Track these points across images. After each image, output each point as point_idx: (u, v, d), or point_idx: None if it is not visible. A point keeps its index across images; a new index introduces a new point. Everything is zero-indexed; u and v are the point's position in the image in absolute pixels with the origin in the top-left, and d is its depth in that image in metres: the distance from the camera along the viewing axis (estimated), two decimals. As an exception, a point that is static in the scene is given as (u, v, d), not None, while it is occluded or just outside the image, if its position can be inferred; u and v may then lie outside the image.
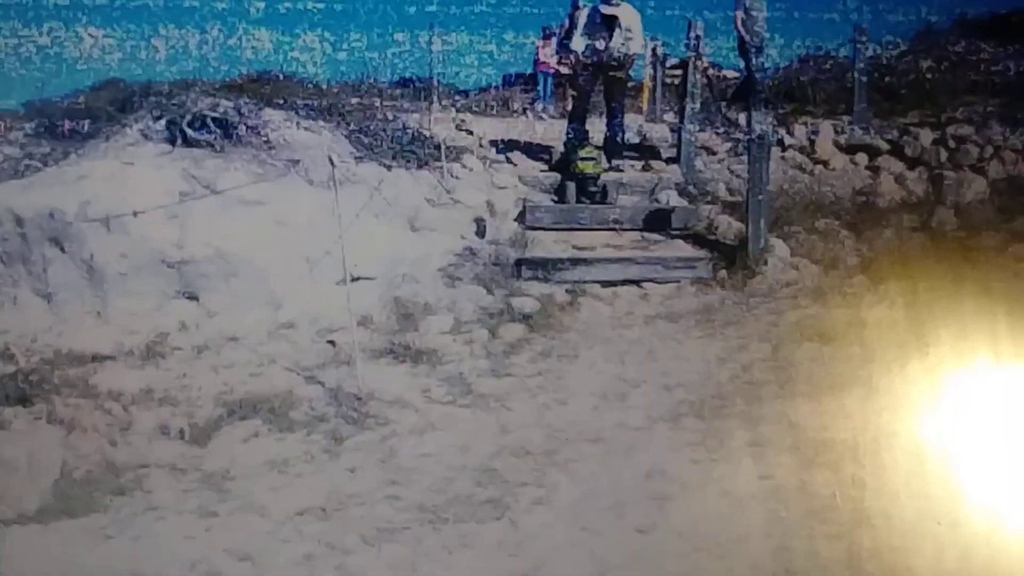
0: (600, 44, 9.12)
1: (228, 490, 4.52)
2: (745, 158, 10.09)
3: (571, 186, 8.90)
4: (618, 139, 9.63)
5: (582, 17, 9.35)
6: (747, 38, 11.85)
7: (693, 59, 10.00)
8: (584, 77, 9.43)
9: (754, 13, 11.87)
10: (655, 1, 12.09)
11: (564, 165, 9.33)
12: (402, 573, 3.83)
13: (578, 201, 8.87)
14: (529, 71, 27.41)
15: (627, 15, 9.14)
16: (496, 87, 20.51)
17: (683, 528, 4.11)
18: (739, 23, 11.83)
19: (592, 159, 8.99)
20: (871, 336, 5.43)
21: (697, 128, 10.14)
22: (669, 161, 10.06)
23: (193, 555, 3.95)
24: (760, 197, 7.91)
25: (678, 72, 11.05)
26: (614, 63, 9.21)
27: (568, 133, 9.55)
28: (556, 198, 9.07)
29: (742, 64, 12.52)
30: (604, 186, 8.97)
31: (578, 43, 9.20)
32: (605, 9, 9.05)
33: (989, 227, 7.92)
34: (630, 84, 10.46)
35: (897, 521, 3.79)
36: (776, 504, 4.25)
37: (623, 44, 9.15)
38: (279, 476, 4.69)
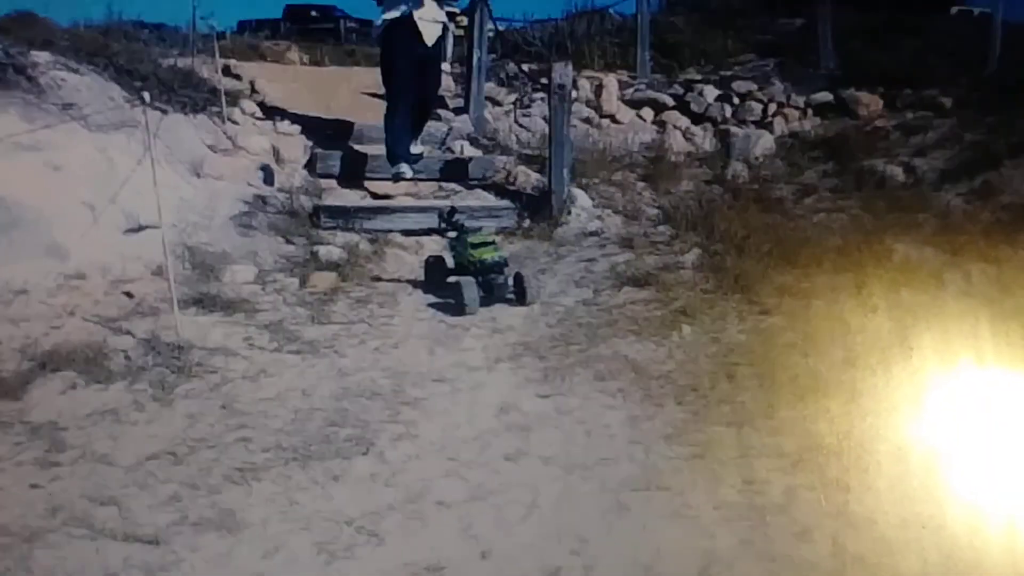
0: None
1: (63, 440, 4.51)
2: (531, 110, 10.77)
3: (470, 284, 6.54)
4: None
5: None
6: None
7: (479, 7, 10.40)
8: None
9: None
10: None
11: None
12: (281, 507, 4.03)
13: (486, 301, 6.60)
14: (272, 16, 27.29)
15: None
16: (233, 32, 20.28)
17: (549, 455, 4.52)
18: None
19: (490, 243, 6.95)
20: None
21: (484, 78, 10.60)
22: (457, 111, 10.47)
23: (49, 503, 3.99)
24: (562, 146, 8.43)
25: (462, 19, 11.41)
26: None
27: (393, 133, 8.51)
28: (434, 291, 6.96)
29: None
30: (519, 277, 6.75)
31: None
32: None
33: (779, 180, 8.83)
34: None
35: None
36: (631, 430, 4.77)
37: None
38: (113, 425, 4.72)
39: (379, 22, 8.46)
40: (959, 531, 3.84)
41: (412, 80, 8.40)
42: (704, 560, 3.71)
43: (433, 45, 8.42)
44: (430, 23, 8.33)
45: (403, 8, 8.19)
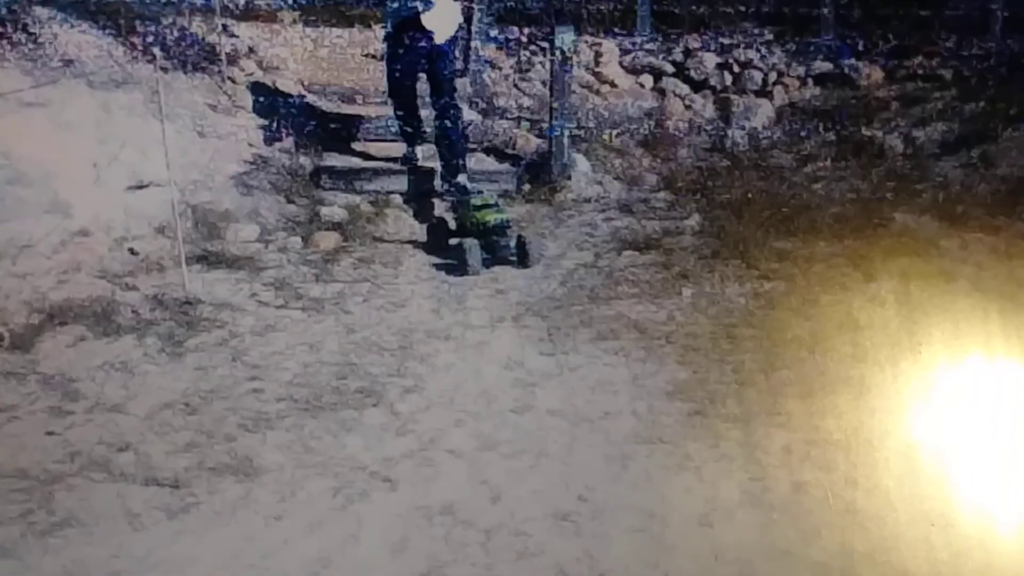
0: None
1: (76, 390, 4.70)
2: (530, 74, 10.83)
3: (473, 246, 6.69)
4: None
5: None
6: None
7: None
8: None
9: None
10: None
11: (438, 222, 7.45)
12: (296, 454, 4.21)
13: (488, 263, 6.67)
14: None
15: None
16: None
17: (555, 408, 4.72)
18: None
19: (493, 205, 7.14)
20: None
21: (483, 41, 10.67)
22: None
23: (66, 449, 4.16)
24: (563, 110, 8.54)
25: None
26: None
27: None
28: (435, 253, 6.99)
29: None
30: (522, 239, 6.86)
31: None
32: None
33: (779, 149, 8.97)
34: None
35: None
36: (633, 387, 4.95)
37: None
38: (125, 376, 4.89)
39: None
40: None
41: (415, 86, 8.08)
42: (706, 508, 3.89)
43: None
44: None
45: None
